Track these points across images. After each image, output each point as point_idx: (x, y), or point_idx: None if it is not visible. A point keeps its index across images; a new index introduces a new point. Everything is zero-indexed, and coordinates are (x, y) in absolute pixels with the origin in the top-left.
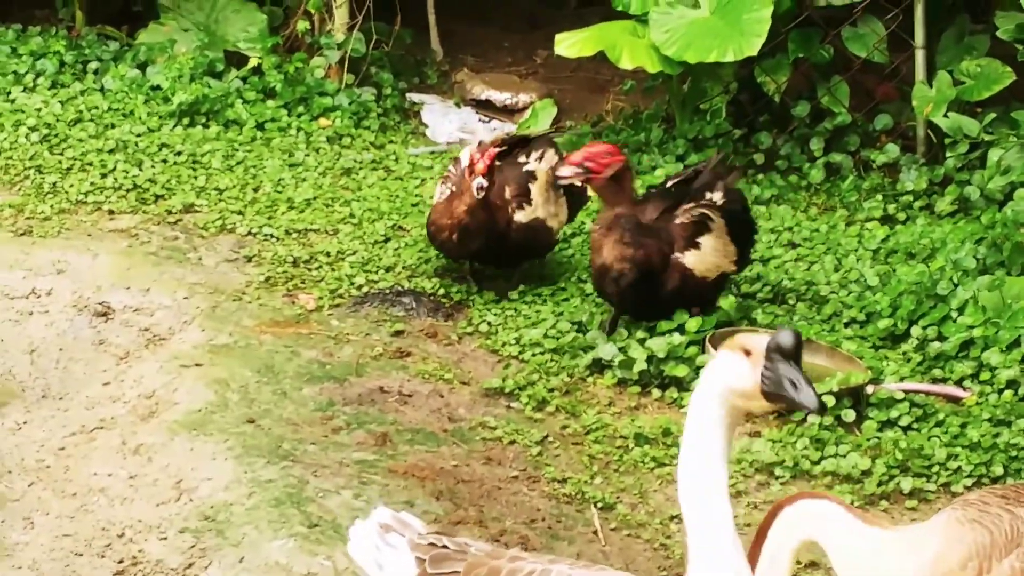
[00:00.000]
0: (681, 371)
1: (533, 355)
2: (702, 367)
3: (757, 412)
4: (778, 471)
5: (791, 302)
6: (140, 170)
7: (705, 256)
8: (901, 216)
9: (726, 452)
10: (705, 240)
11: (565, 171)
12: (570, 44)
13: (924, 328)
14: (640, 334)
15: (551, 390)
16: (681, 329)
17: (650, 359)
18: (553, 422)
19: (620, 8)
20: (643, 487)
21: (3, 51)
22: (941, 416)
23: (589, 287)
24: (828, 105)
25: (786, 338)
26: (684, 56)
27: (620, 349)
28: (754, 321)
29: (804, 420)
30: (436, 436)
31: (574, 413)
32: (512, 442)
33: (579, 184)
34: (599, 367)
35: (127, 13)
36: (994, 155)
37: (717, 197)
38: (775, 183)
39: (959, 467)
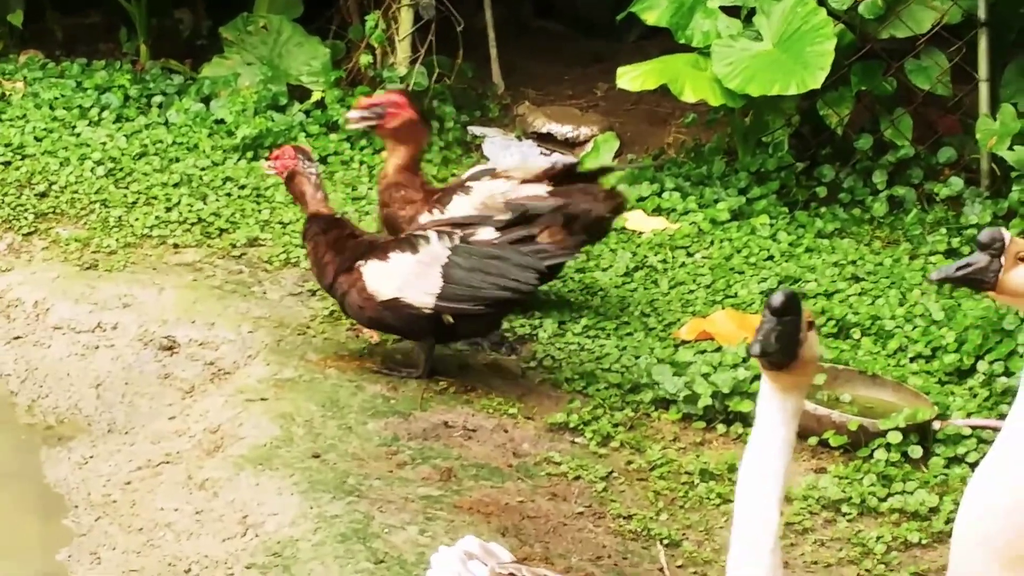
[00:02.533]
0: (746, 406)
1: (597, 390)
2: None
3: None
4: (845, 508)
5: (856, 336)
6: (204, 204)
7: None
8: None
9: (782, 447)
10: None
11: (353, 114)
12: (632, 77)
13: (991, 363)
14: (705, 368)
15: (615, 425)
16: (746, 364)
17: (715, 394)
18: (618, 457)
19: (682, 41)
20: (709, 524)
21: (68, 85)
22: None
23: (652, 321)
24: (891, 138)
25: (774, 296)
26: (747, 89)
27: (685, 384)
28: (819, 356)
29: (871, 456)
30: (501, 471)
31: (639, 448)
32: (577, 478)
33: (368, 130)
34: (663, 402)
35: (191, 47)
36: None
37: (484, 233)
38: (838, 216)
39: None
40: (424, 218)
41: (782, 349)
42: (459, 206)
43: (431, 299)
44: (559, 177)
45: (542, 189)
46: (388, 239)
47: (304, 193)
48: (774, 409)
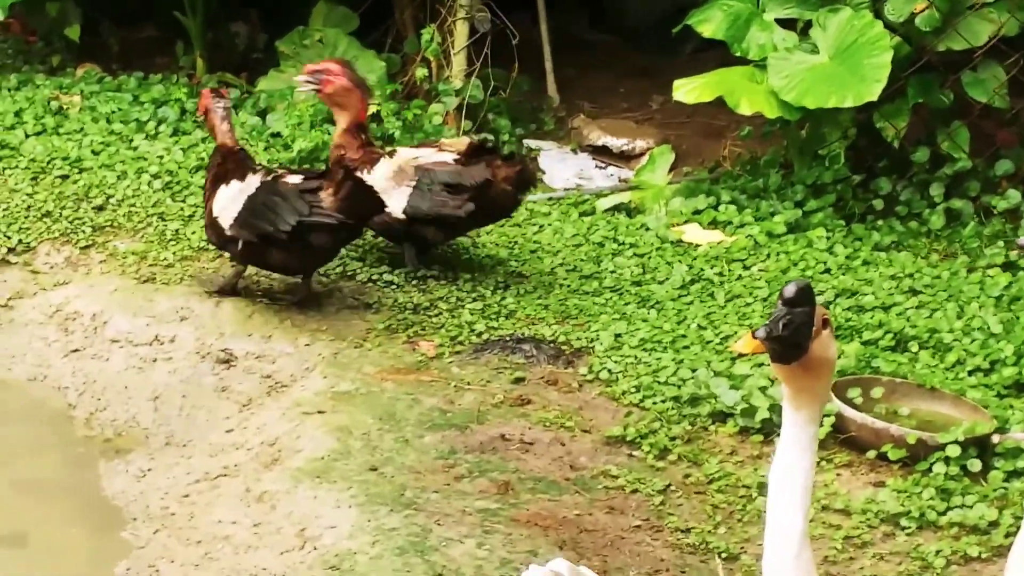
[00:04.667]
0: None
1: (654, 403)
2: (825, 416)
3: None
4: (904, 522)
5: (914, 350)
6: None
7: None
8: (1023, 263)
9: (802, 455)
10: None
11: (300, 78)
12: (689, 90)
13: None
14: (762, 381)
15: (673, 438)
16: None
17: (772, 407)
18: (675, 471)
19: (738, 54)
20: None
21: (125, 99)
22: None
23: (709, 334)
24: (948, 151)
25: (787, 286)
26: (803, 101)
27: (742, 397)
28: (876, 369)
29: (930, 470)
30: (558, 484)
31: (696, 462)
32: (634, 491)
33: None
34: (721, 415)
35: (247, 60)
36: None
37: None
38: (895, 229)
39: None
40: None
41: (789, 338)
42: (381, 169)
43: (230, 221)
44: (477, 151)
45: (449, 158)
46: (247, 169)
47: (213, 126)
48: (791, 416)
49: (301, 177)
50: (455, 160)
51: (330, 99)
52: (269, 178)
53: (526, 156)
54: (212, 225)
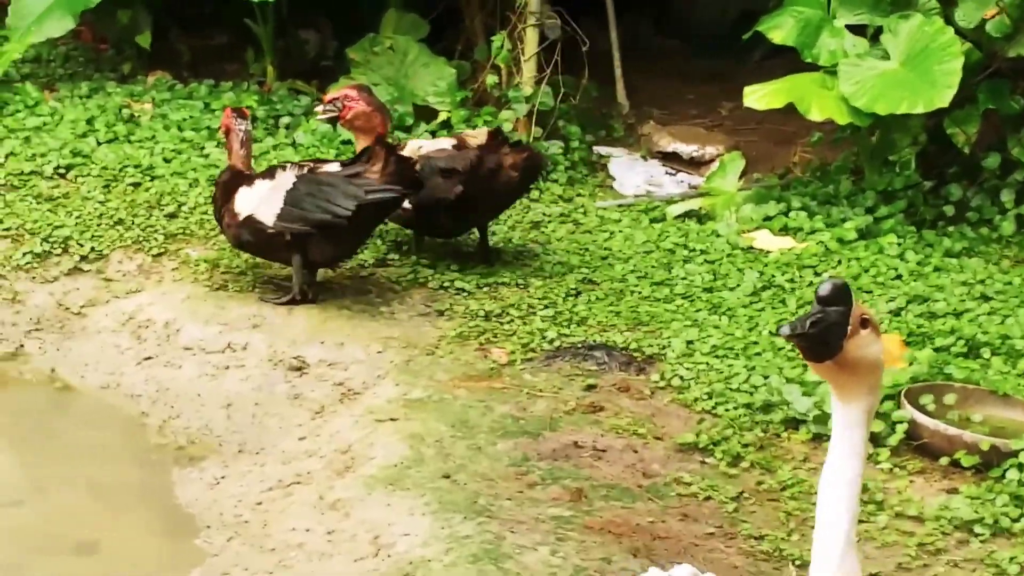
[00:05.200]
0: (877, 427)
1: (726, 410)
2: (898, 423)
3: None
4: (977, 528)
5: (986, 356)
6: None
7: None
8: None
9: (848, 454)
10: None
11: (319, 108)
12: (759, 96)
13: None
14: None
15: (745, 445)
16: None
17: None
18: (748, 478)
19: (809, 60)
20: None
21: (196, 106)
22: None
23: (781, 341)
24: (1019, 157)
25: (822, 284)
26: (874, 108)
27: (815, 404)
28: (949, 376)
29: (1003, 476)
30: (631, 492)
31: (769, 469)
32: (707, 498)
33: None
34: (793, 422)
35: (317, 68)
36: None
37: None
38: (966, 235)
39: None
40: None
41: (817, 337)
42: None
43: (272, 218)
44: (495, 139)
45: (447, 144)
46: (265, 172)
47: (230, 147)
48: (838, 415)
49: (338, 165)
50: (453, 146)
51: (351, 124)
52: (304, 171)
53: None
54: (243, 225)
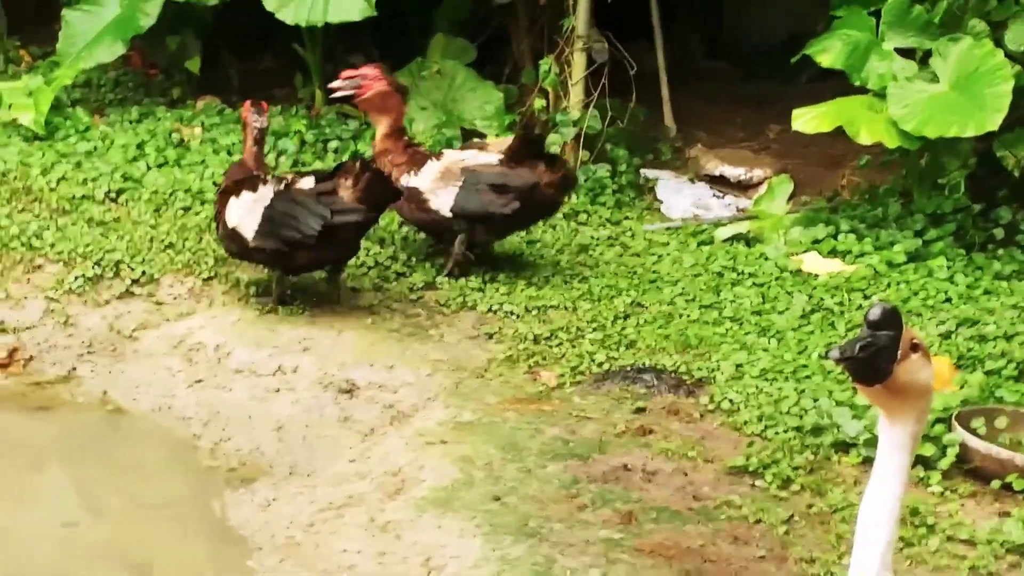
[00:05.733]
0: (928, 450)
1: (776, 433)
2: (949, 446)
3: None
4: None
5: None
6: (381, 248)
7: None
8: None
9: (892, 476)
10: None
11: (336, 83)
12: (808, 119)
13: None
14: None
15: (795, 468)
16: None
17: None
18: (798, 501)
19: (857, 83)
20: (892, 568)
21: None
22: None
23: (830, 364)
24: None
25: (872, 308)
26: (923, 131)
27: (865, 427)
28: (1000, 399)
29: None
30: (681, 514)
31: (820, 492)
32: (758, 521)
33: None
34: (844, 445)
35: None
36: None
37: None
38: (1016, 258)
39: None
40: (404, 180)
41: (866, 361)
42: (429, 170)
43: (251, 232)
44: (522, 151)
45: (494, 159)
46: (254, 179)
47: (245, 141)
48: (884, 437)
49: (313, 180)
50: (499, 161)
51: (369, 104)
52: (281, 187)
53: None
54: (231, 237)
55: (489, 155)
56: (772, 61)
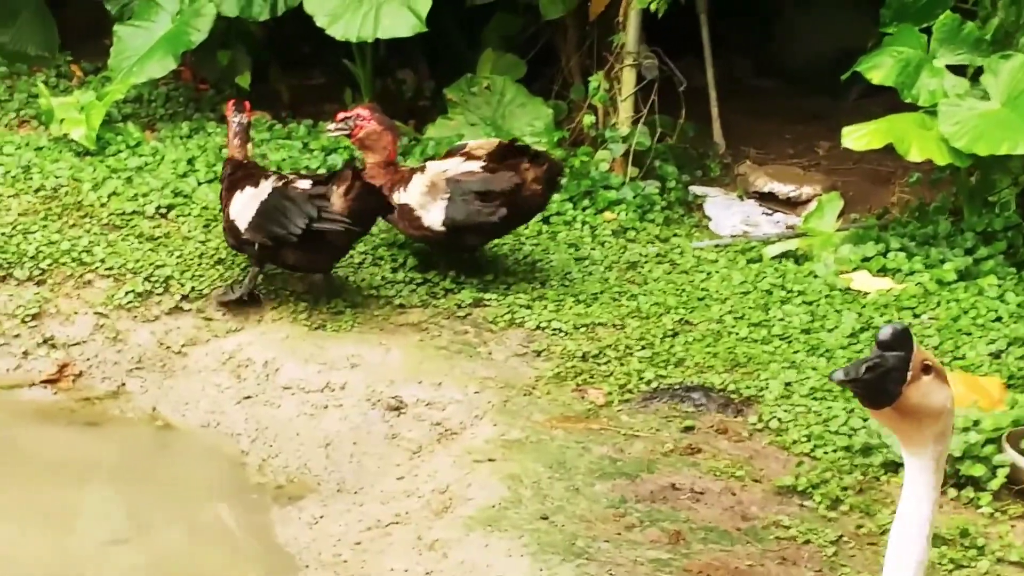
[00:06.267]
0: (978, 470)
1: (825, 452)
2: (999, 467)
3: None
4: None
5: None
6: (429, 264)
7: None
8: None
9: (916, 502)
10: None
11: (331, 127)
12: (858, 136)
13: None
14: None
15: (845, 488)
16: (977, 427)
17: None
18: (847, 521)
19: (908, 100)
20: None
21: (295, 146)
22: None
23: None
24: None
25: (884, 328)
26: (974, 148)
27: None
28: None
29: None
30: (729, 534)
31: (869, 512)
32: (807, 541)
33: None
34: (893, 465)
35: (414, 108)
36: None
37: (301, 183)
38: None
39: None
40: (396, 197)
41: (872, 383)
42: (415, 186)
43: (245, 225)
44: (502, 153)
45: (476, 166)
46: (253, 176)
47: (228, 138)
48: (906, 460)
49: (311, 182)
50: (482, 167)
51: (361, 143)
52: (281, 183)
53: (692, 202)
54: (230, 229)
55: (471, 162)
56: (821, 77)
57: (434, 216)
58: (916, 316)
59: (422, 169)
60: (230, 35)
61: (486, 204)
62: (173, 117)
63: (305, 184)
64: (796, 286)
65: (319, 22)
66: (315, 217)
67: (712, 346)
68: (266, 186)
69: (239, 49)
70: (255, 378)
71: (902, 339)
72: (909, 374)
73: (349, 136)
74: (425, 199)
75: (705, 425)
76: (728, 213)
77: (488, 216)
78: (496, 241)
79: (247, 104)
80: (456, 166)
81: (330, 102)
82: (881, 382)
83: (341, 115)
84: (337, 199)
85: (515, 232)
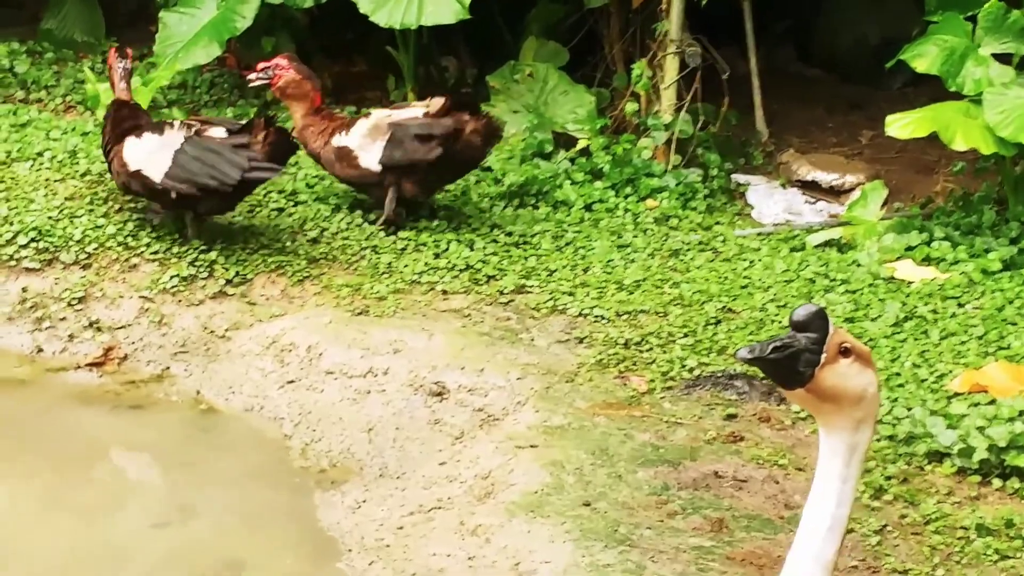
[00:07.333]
0: (1021, 461)
1: None
2: None
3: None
4: None
5: None
6: (472, 250)
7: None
8: None
9: (830, 486)
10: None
11: (251, 76)
12: (902, 125)
13: None
14: (979, 421)
15: (888, 478)
16: (1022, 417)
17: (990, 448)
18: (891, 511)
19: (953, 89)
20: None
21: None
22: None
23: (924, 372)
24: None
25: (798, 309)
26: (1019, 137)
27: (959, 437)
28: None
29: None
30: (772, 523)
31: (913, 502)
32: (850, 531)
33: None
34: (937, 455)
35: (457, 94)
36: None
37: (215, 131)
38: None
39: None
40: (336, 140)
41: (780, 362)
42: (358, 128)
43: (160, 175)
44: (450, 106)
45: (419, 112)
46: (151, 122)
47: (112, 82)
48: (823, 442)
49: (224, 130)
50: (424, 114)
51: (283, 92)
52: (192, 133)
53: (735, 191)
54: (134, 176)
55: (416, 109)
56: (865, 65)
57: (372, 156)
58: (960, 305)
59: (367, 115)
60: (274, 21)
61: (424, 144)
62: (217, 103)
63: (220, 133)
64: (839, 275)
65: (363, 9)
66: (246, 168)
67: (755, 334)
68: (175, 135)
69: (283, 36)
70: (298, 363)
71: (816, 320)
72: (824, 356)
73: (270, 85)
74: (365, 140)
75: (748, 413)
76: (771, 201)
77: (425, 154)
78: (538, 227)
79: (128, 51)
80: (401, 112)
81: (373, 89)
82: (790, 362)
83: (261, 64)
84: (256, 145)
85: (556, 220)
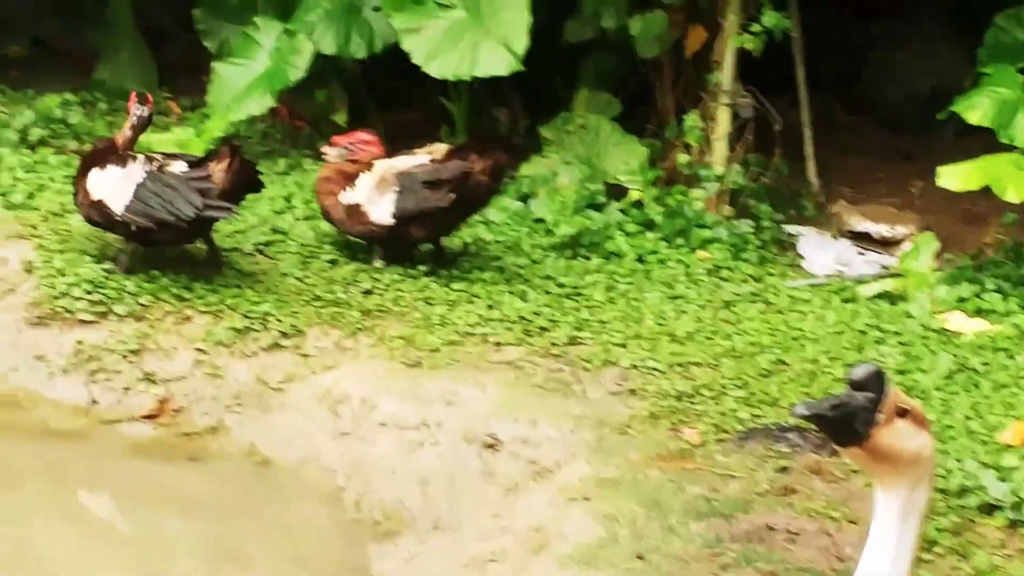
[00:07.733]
0: None
1: None
2: None
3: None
4: None
5: None
6: (524, 302)
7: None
8: None
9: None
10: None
11: (330, 151)
12: (954, 176)
13: None
14: None
15: (940, 530)
16: None
17: None
18: (943, 564)
19: (1005, 141)
20: None
21: None
22: None
23: (975, 425)
24: None
25: (856, 368)
26: None
27: (1011, 490)
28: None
29: None
30: (825, 575)
31: (964, 555)
32: None
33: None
34: (988, 508)
35: (509, 145)
36: None
37: (176, 166)
38: None
39: None
40: (343, 197)
41: (836, 421)
42: (364, 182)
43: (121, 208)
44: (451, 154)
45: (422, 159)
46: (117, 156)
47: (123, 126)
48: (879, 506)
49: (185, 164)
50: (431, 161)
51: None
52: (153, 167)
53: (786, 241)
54: (95, 206)
55: (419, 157)
56: (916, 116)
57: (382, 210)
58: (1011, 358)
59: (368, 167)
60: (326, 72)
61: (435, 192)
62: (270, 154)
63: (180, 167)
64: (891, 326)
65: (416, 59)
66: (200, 207)
67: (807, 386)
68: (137, 169)
69: (336, 87)
70: (351, 415)
71: (874, 380)
72: (881, 416)
73: (351, 162)
74: (373, 194)
75: (800, 465)
76: (822, 252)
77: (437, 202)
78: (590, 279)
79: (149, 97)
80: (405, 161)
81: (425, 138)
82: (847, 421)
83: (340, 138)
84: (219, 174)
85: (608, 271)
